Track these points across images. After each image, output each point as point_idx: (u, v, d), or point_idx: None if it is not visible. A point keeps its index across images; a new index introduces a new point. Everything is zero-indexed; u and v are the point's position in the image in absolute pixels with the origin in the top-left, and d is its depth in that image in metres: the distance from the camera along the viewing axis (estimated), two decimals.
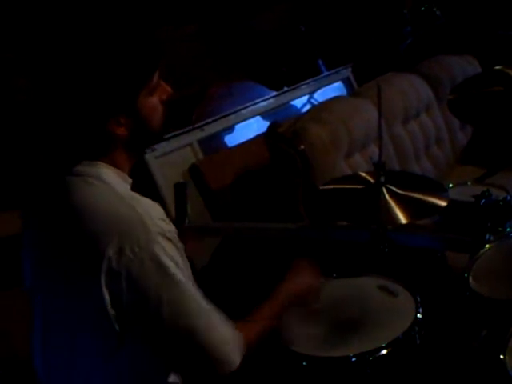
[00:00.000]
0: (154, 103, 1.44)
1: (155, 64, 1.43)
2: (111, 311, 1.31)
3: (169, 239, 1.36)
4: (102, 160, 1.41)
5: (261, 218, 2.72)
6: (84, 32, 1.41)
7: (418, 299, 1.78)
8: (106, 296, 1.31)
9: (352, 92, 3.96)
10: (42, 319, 1.46)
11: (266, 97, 3.64)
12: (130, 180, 1.48)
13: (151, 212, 1.37)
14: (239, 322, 1.50)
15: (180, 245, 1.41)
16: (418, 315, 1.73)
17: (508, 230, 1.93)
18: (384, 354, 1.64)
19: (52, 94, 1.41)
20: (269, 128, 2.92)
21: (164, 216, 1.40)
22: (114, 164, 1.43)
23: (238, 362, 1.42)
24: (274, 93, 3.72)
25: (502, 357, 1.43)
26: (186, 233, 1.94)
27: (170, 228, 1.39)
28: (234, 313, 1.99)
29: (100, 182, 1.38)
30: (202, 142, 3.20)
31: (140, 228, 1.32)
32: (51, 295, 1.42)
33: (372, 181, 1.93)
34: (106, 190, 1.38)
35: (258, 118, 3.55)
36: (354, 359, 1.63)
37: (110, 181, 1.39)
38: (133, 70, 1.38)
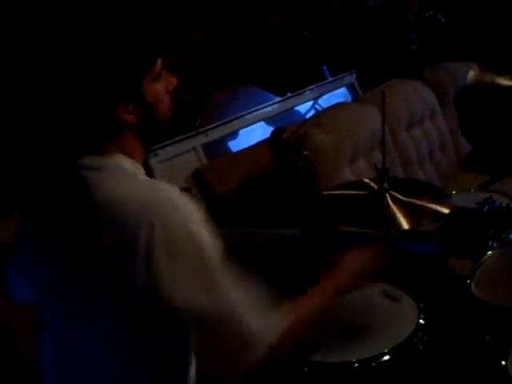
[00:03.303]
0: (158, 90, 1.42)
1: (157, 48, 1.42)
2: (141, 302, 1.29)
3: (202, 221, 1.33)
4: (116, 151, 1.39)
5: (265, 224, 2.71)
6: (86, 17, 1.39)
7: (421, 305, 1.79)
8: (140, 282, 1.27)
9: (356, 98, 3.97)
10: (58, 322, 1.43)
11: (270, 102, 3.64)
12: (144, 171, 1.45)
13: (180, 197, 1.34)
14: (288, 304, 1.44)
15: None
16: (421, 321, 1.73)
17: (511, 236, 1.93)
18: (387, 360, 1.64)
19: (56, 82, 1.40)
20: (273, 133, 2.92)
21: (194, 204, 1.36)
22: (129, 154, 1.41)
23: (264, 353, 1.35)
24: (279, 98, 3.73)
25: (503, 363, 1.43)
26: None
27: (201, 216, 1.34)
28: None
29: (121, 172, 1.36)
30: (206, 147, 3.21)
31: (171, 210, 1.30)
32: (69, 296, 1.39)
33: (376, 187, 1.93)
34: (129, 179, 1.36)
35: (262, 123, 3.56)
36: (356, 365, 1.64)
37: (131, 169, 1.38)
38: (134, 54, 1.36)
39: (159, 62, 1.41)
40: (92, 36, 1.35)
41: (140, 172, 1.42)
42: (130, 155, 1.41)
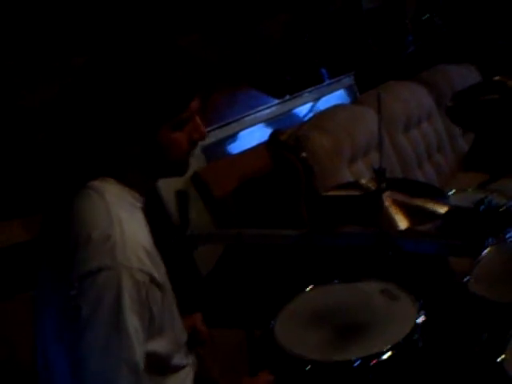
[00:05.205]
0: (176, 138, 1.37)
1: (183, 103, 1.36)
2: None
3: (134, 278, 1.26)
4: (113, 176, 1.38)
5: (264, 225, 2.73)
6: (116, 63, 1.35)
7: (420, 303, 1.80)
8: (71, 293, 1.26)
9: (354, 100, 3.99)
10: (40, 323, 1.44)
11: (269, 104, 3.65)
12: (141, 197, 1.43)
13: (129, 240, 1.28)
14: None
15: (150, 289, 1.29)
16: (420, 319, 1.74)
17: (508, 235, 1.94)
18: (386, 358, 1.65)
19: (71, 111, 1.38)
20: (271, 135, 2.93)
21: (143, 254, 1.30)
22: (127, 182, 1.39)
23: None
24: (277, 101, 3.74)
25: (500, 359, 1.45)
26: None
27: (141, 266, 1.28)
28: (238, 317, 2.01)
29: (99, 197, 1.34)
30: (204, 150, 3.21)
31: (108, 250, 1.26)
32: (44, 299, 1.40)
33: (373, 187, 1.95)
34: (99, 206, 1.33)
35: (261, 125, 3.56)
36: (355, 363, 1.65)
37: (110, 199, 1.34)
38: (155, 106, 1.32)
39: (187, 113, 1.36)
40: (118, 81, 1.32)
41: (125, 202, 1.38)
42: (129, 183, 1.40)
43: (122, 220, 1.32)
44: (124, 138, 1.34)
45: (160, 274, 1.36)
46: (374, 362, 1.64)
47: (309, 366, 1.67)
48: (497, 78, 2.29)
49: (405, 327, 1.72)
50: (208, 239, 2.70)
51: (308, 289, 2.01)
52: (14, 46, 2.70)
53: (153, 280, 1.31)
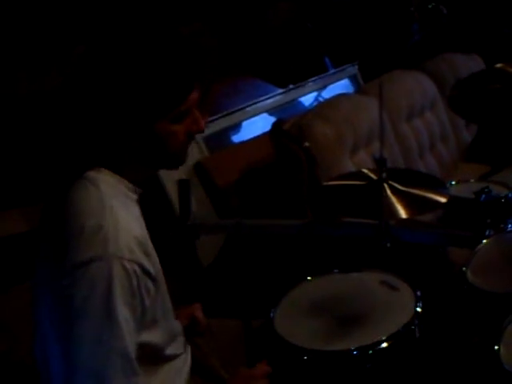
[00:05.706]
0: (174, 131, 1.37)
1: (181, 95, 1.34)
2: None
3: (125, 269, 1.27)
4: (109, 167, 1.38)
5: (266, 215, 2.73)
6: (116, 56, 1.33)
7: (419, 294, 1.80)
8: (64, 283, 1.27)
9: (358, 89, 3.97)
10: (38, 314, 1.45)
11: (272, 94, 3.65)
12: (138, 190, 1.44)
13: (121, 231, 1.29)
14: None
15: (141, 280, 1.30)
16: (418, 309, 1.75)
17: (509, 226, 1.94)
18: (384, 348, 1.65)
19: (70, 101, 1.38)
20: (274, 125, 2.93)
21: (135, 244, 1.31)
22: (123, 173, 1.39)
23: None
24: (280, 90, 3.73)
25: (496, 348, 1.45)
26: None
27: (132, 257, 1.28)
28: (237, 307, 2.02)
29: (94, 188, 1.34)
30: (207, 139, 3.20)
31: (100, 240, 1.27)
32: (41, 288, 1.40)
33: (374, 177, 1.94)
34: (93, 196, 1.33)
35: (265, 115, 3.56)
36: (354, 352, 1.65)
37: (105, 190, 1.35)
38: (153, 99, 1.32)
39: (185, 105, 1.36)
40: (116, 73, 1.31)
41: (120, 193, 1.38)
42: (124, 174, 1.40)
43: (116, 211, 1.32)
44: (121, 129, 1.34)
45: (153, 265, 1.36)
46: (372, 351, 1.64)
47: (308, 356, 1.68)
48: (499, 65, 2.28)
49: (403, 317, 1.73)
50: (210, 229, 2.70)
51: (308, 279, 2.01)
52: (14, 35, 2.70)
53: (144, 271, 1.32)
